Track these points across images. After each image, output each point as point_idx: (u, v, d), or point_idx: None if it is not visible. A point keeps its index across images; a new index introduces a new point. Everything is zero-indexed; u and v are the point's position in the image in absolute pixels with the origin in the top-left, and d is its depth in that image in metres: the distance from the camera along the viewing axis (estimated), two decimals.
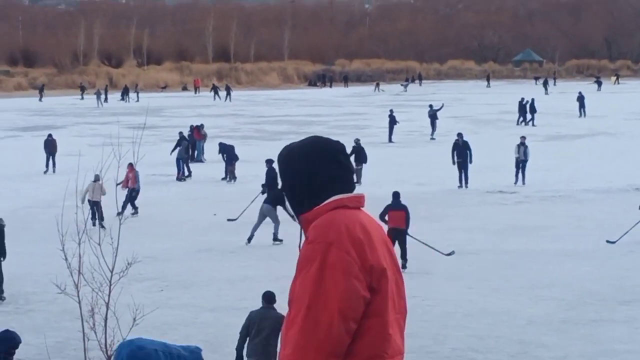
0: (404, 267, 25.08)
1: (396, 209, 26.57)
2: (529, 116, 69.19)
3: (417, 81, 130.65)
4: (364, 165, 41.96)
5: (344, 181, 5.36)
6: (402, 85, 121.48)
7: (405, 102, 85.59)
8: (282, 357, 5.16)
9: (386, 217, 26.17)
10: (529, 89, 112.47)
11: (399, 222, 25.99)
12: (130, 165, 33.61)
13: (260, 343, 15.62)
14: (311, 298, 5.06)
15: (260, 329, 15.67)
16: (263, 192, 33.25)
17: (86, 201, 30.92)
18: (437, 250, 26.24)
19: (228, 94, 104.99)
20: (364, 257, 5.09)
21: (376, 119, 72.46)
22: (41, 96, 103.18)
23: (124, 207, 33.20)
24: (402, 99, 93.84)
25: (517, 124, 67.71)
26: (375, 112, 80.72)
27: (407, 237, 26.27)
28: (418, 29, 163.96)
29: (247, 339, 15.71)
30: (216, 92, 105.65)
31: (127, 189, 34.36)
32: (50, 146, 44.76)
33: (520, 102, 69.72)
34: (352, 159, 40.10)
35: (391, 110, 60.60)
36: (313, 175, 5.32)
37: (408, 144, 57.00)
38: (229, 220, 32.59)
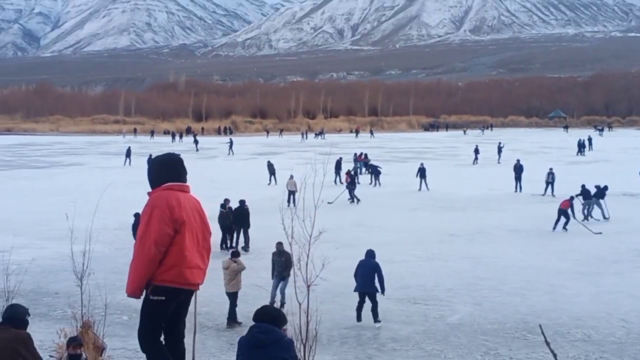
0: (565, 229, 26.73)
1: (566, 199, 28.01)
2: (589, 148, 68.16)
3: (489, 128, 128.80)
4: (426, 179, 40.27)
5: (174, 177, 6.21)
6: (480, 129, 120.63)
7: (482, 140, 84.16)
8: (131, 263, 6.09)
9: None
10: (559, 134, 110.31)
11: (564, 205, 27.47)
12: (348, 172, 35.29)
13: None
14: (142, 234, 5.98)
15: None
16: (347, 187, 35.53)
17: (286, 189, 31.68)
18: (589, 229, 26.30)
19: (371, 133, 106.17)
20: (172, 214, 5.96)
21: (464, 150, 71.64)
22: (281, 134, 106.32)
23: (351, 195, 35.72)
24: (480, 139, 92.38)
25: (576, 155, 65.84)
26: (464, 146, 79.80)
27: (571, 218, 27.30)
28: (490, 97, 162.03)
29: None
30: (357, 133, 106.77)
31: (345, 184, 36.71)
32: (270, 167, 43.63)
33: (579, 142, 68.16)
34: (417, 175, 40.11)
35: (476, 145, 60.45)
36: (158, 171, 6.23)
37: (484, 165, 56.19)
38: (328, 203, 32.83)
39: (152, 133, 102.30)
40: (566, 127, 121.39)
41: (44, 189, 40.49)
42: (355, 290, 15.58)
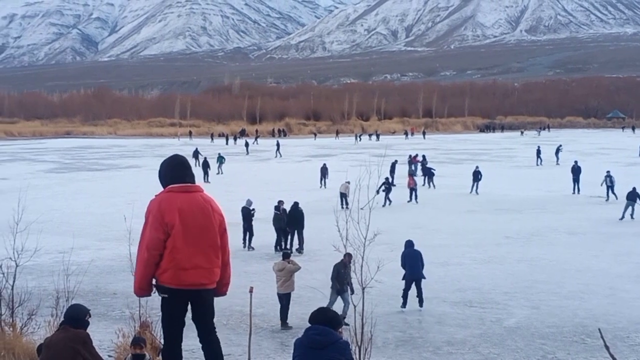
0: None
1: None
2: None
3: (546, 129, 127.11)
4: (479, 182, 39.39)
5: (177, 178, 6.30)
6: (536, 131, 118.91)
7: (538, 142, 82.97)
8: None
9: None
10: (618, 135, 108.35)
11: None
12: (410, 175, 34.58)
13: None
14: (140, 238, 6.27)
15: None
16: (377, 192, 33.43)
17: (339, 192, 31.94)
18: None
19: (424, 134, 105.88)
20: (163, 218, 6.14)
21: (521, 152, 70.88)
22: (337, 136, 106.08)
23: (414, 197, 35.80)
24: (536, 140, 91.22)
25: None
26: (521, 148, 79.00)
27: None
28: (547, 97, 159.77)
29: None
30: (406, 135, 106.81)
31: (409, 188, 36.13)
32: (323, 171, 42.32)
33: None
34: (471, 178, 39.18)
35: (538, 147, 59.80)
36: (163, 173, 6.41)
37: (541, 167, 55.47)
38: (361, 209, 32.11)
39: (212, 136, 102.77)
40: (633, 128, 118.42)
41: (103, 191, 41.21)
42: (404, 279, 16.57)
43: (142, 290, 6.39)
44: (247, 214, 24.41)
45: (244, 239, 24.03)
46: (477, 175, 39.65)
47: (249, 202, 25.16)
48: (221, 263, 6.47)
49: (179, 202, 6.24)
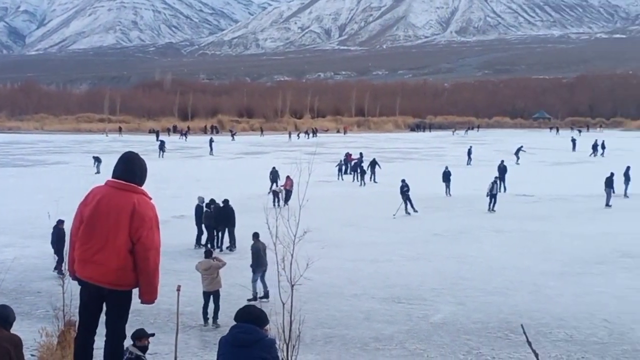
0: None
1: None
2: (599, 151, 65.70)
3: (475, 129, 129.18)
4: (450, 183, 38.66)
5: (114, 172, 6.19)
6: (465, 131, 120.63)
7: (467, 141, 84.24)
8: None
9: None
10: (543, 135, 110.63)
11: None
12: (288, 177, 31.92)
13: None
14: None
15: None
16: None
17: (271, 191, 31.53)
18: None
19: (344, 132, 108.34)
20: (81, 209, 6.20)
21: (450, 150, 71.84)
22: (261, 133, 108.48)
23: (286, 200, 31.79)
24: (464, 139, 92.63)
25: (589, 156, 65.07)
26: (450, 147, 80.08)
27: None
28: (475, 98, 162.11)
29: None
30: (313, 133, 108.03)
31: (285, 190, 32.75)
32: (274, 174, 37.98)
33: (594, 144, 66.64)
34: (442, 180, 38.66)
35: (470, 146, 60.20)
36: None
37: (473, 166, 56.16)
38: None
39: (174, 129, 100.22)
40: (557, 129, 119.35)
41: (29, 187, 40.27)
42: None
43: (70, 272, 6.44)
44: (200, 212, 24.18)
45: (197, 238, 23.98)
46: (447, 176, 38.78)
47: (201, 200, 24.83)
48: (137, 270, 6.11)
49: (102, 195, 6.13)
